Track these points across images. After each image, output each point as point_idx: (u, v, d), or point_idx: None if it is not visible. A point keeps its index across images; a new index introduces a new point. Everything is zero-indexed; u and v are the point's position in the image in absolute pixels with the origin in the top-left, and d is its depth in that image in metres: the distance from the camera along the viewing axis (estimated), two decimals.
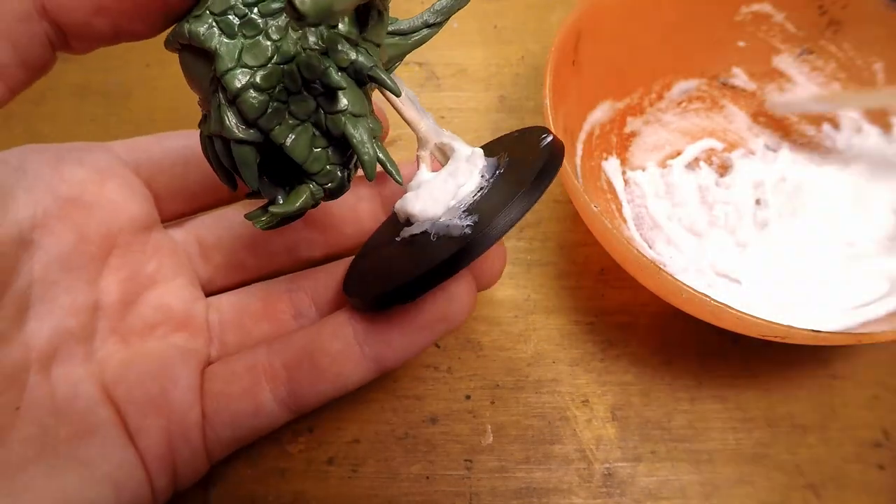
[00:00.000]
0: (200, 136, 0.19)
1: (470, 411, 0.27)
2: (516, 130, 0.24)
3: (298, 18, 0.14)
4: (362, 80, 0.18)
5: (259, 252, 0.26)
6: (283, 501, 0.25)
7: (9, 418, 0.19)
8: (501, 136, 0.25)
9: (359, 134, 0.18)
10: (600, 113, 0.33)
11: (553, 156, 0.20)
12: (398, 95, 0.19)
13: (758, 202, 0.32)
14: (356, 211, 0.26)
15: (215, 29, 0.17)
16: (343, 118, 0.18)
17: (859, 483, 0.26)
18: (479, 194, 0.21)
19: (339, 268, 0.25)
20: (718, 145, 0.34)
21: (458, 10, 0.21)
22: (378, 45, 0.19)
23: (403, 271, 0.20)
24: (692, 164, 0.34)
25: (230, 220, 0.26)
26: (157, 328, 0.24)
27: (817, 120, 0.34)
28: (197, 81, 0.18)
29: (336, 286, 0.25)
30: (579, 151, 0.31)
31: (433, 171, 0.22)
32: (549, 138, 0.21)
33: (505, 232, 0.19)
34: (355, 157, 0.20)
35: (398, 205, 0.22)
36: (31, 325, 0.20)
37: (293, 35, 0.17)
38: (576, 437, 0.27)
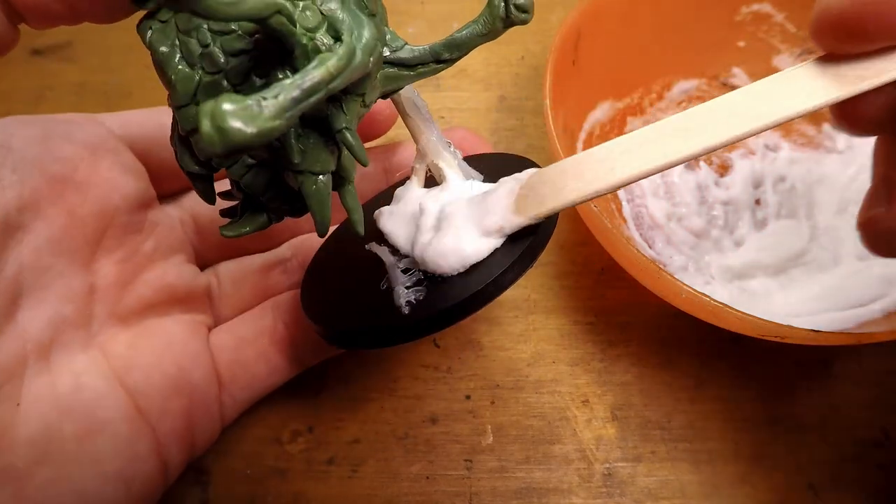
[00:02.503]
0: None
1: (470, 411, 0.27)
2: (516, 157, 0.23)
3: (203, 153, 0.12)
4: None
5: (259, 234, 0.26)
6: (283, 501, 0.25)
7: (9, 417, 0.19)
8: (502, 156, 0.24)
9: (315, 196, 0.16)
10: (600, 113, 0.33)
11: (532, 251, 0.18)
12: (365, 165, 0.17)
13: (757, 202, 0.32)
14: (359, 190, 0.26)
15: (177, 50, 0.15)
16: (299, 178, 0.16)
17: (859, 483, 0.26)
18: None
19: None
20: None
21: (478, 46, 0.18)
22: (362, 95, 0.17)
23: (359, 312, 0.19)
24: (692, 164, 0.34)
25: None
26: (158, 307, 0.23)
27: (817, 120, 0.34)
28: (163, 82, 0.17)
29: None
30: (579, 151, 0.31)
31: (425, 186, 0.21)
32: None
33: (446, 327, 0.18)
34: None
35: (377, 213, 0.21)
36: (25, 315, 0.19)
37: (257, 81, 0.15)
38: (576, 437, 0.27)
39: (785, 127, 0.34)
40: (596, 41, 0.30)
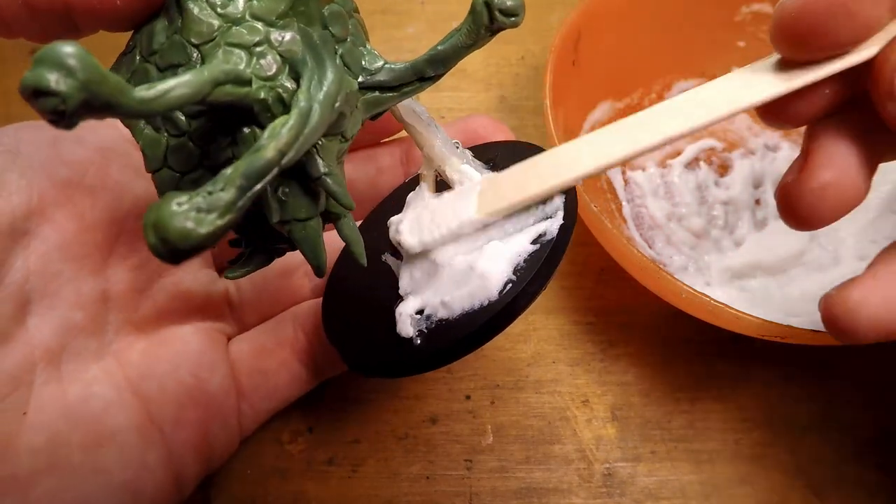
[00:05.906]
0: None
1: (470, 411, 0.27)
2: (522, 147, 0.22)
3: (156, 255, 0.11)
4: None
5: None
6: (283, 501, 0.25)
7: (15, 425, 0.18)
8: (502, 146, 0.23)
9: (305, 241, 0.16)
10: (600, 113, 0.33)
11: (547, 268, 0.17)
12: (350, 209, 0.16)
13: (757, 202, 0.32)
14: (376, 186, 0.25)
15: None
16: (286, 226, 0.16)
17: (859, 483, 0.26)
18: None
19: None
20: (718, 145, 0.34)
21: (464, 57, 0.17)
22: (339, 133, 0.16)
23: (380, 341, 0.19)
24: (692, 164, 0.34)
25: None
26: (175, 314, 0.23)
27: None
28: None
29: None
30: None
31: (435, 192, 0.21)
32: (558, 226, 0.18)
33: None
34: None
35: (390, 222, 0.21)
36: (33, 321, 0.19)
37: (223, 140, 0.14)
38: (576, 437, 0.27)
39: None
40: (596, 41, 0.30)
